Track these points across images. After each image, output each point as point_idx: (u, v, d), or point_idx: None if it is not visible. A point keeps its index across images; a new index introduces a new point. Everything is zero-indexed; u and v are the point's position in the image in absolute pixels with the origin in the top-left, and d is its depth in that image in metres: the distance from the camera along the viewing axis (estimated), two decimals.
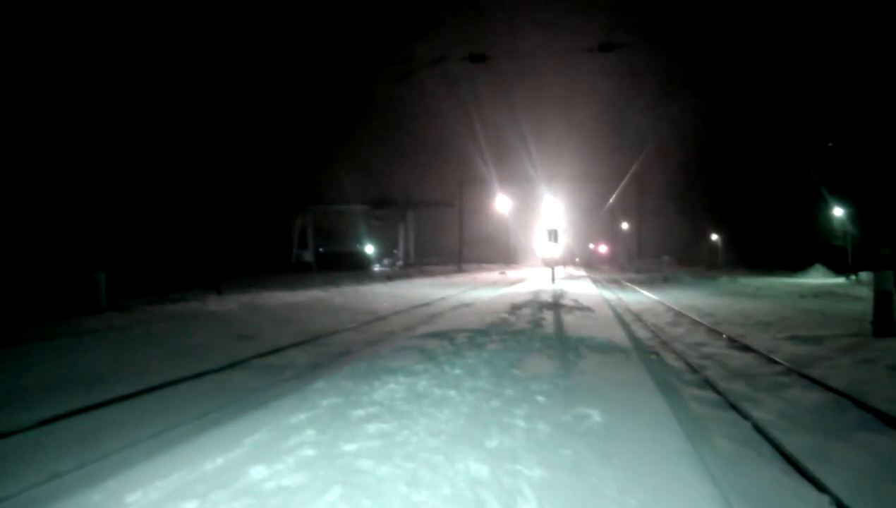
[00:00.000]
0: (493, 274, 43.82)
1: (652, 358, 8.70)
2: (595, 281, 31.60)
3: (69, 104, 27.78)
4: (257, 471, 3.37)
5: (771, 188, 51.79)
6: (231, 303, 15.89)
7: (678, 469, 3.57)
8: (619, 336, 9.59)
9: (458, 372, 6.13)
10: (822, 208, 40.70)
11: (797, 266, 43.19)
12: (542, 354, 7.34)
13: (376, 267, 59.44)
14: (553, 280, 26.25)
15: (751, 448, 4.79)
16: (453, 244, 63.54)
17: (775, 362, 8.21)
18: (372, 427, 4.16)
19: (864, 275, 28.92)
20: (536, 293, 18.81)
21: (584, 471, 3.47)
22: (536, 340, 8.46)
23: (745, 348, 9.52)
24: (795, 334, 10.80)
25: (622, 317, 13.85)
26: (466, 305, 15.96)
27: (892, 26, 34.79)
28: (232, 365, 7.76)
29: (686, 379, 7.38)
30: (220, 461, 3.57)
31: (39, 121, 26.21)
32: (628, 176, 31.97)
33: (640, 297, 21.36)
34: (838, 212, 38.74)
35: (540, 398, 5.08)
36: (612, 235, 78.61)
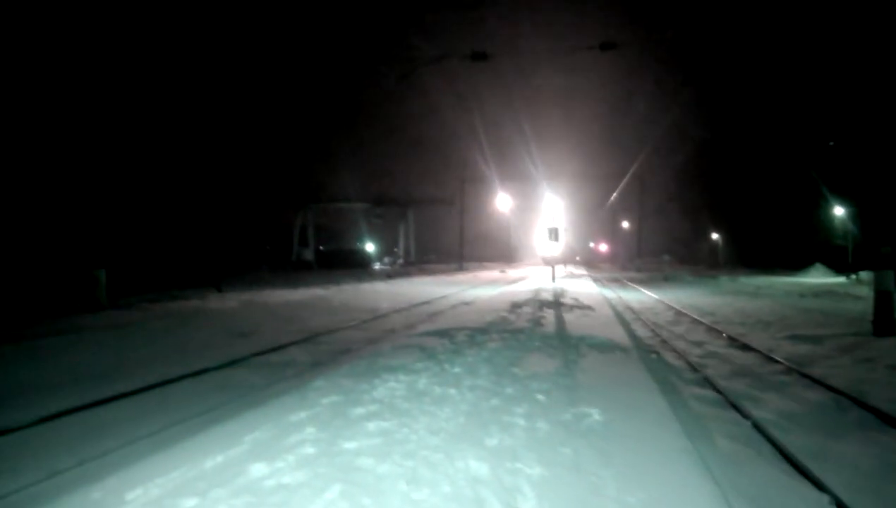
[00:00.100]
0: (493, 273, 43.81)
1: (652, 356, 8.70)
2: (595, 280, 31.59)
3: (70, 102, 27.78)
4: (257, 469, 3.37)
5: (772, 187, 51.78)
6: (231, 301, 15.90)
7: (678, 467, 3.57)
8: (619, 334, 9.59)
9: (458, 370, 6.13)
10: (822, 207, 40.71)
11: (797, 265, 43.17)
12: (542, 353, 7.35)
13: (377, 266, 59.45)
14: (553, 278, 26.24)
15: (751, 448, 4.79)
16: (454, 242, 63.58)
17: (775, 361, 8.21)
18: (372, 426, 4.16)
19: (865, 275, 28.90)
20: (537, 291, 18.81)
21: (583, 470, 3.47)
22: (536, 339, 8.46)
23: (745, 347, 9.52)
24: (795, 333, 10.80)
25: (622, 316, 13.85)
26: (466, 303, 15.96)
27: (891, 25, 34.75)
28: (232, 363, 7.77)
29: (686, 378, 7.38)
30: (220, 458, 3.57)
31: (40, 119, 26.21)
32: (629, 174, 32.03)
33: (641, 296, 21.35)
34: (839, 211, 38.75)
35: (540, 396, 5.08)
36: (613, 234, 78.62)
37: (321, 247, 67.19)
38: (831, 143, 42.02)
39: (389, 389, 5.24)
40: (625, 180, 34.79)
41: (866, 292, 18.05)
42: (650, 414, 4.74)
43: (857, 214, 37.53)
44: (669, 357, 8.84)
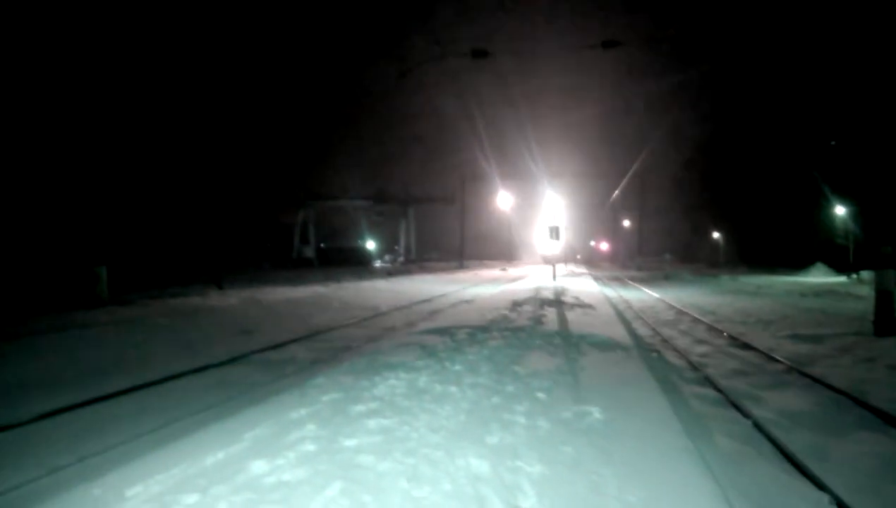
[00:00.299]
0: (494, 271, 43.81)
1: (653, 355, 8.70)
2: (596, 279, 31.59)
3: (72, 101, 27.78)
4: (258, 466, 3.37)
5: (773, 186, 51.76)
6: (232, 298, 15.91)
7: (679, 466, 3.57)
8: (619, 333, 9.59)
9: (458, 368, 6.13)
10: (823, 207, 40.68)
11: (798, 264, 43.17)
12: (542, 351, 7.34)
13: (377, 263, 59.48)
14: (554, 277, 26.24)
15: (751, 446, 4.79)
16: (454, 240, 63.65)
17: (776, 360, 8.20)
18: (372, 423, 4.16)
19: (866, 274, 28.89)
20: (537, 290, 18.80)
21: (584, 468, 3.47)
22: (537, 337, 8.46)
23: (746, 346, 9.51)
24: (796, 332, 10.79)
25: (623, 315, 13.85)
26: (467, 302, 15.96)
27: (891, 25, 34.68)
28: (233, 360, 7.77)
29: (687, 377, 7.38)
30: (220, 455, 3.58)
31: (42, 117, 26.21)
32: (630, 173, 32.00)
33: (642, 295, 21.35)
34: (840, 210, 38.70)
35: (540, 394, 5.08)
36: (614, 233, 78.60)
37: (322, 245, 67.19)
38: (833, 143, 41.98)
39: (390, 387, 5.24)
40: (626, 179, 34.78)
41: (867, 292, 18.05)
42: (651, 412, 4.73)
43: (858, 214, 37.51)
44: (670, 355, 8.84)
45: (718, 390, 6.61)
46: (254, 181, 53.10)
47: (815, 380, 6.96)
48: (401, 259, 66.98)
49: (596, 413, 4.55)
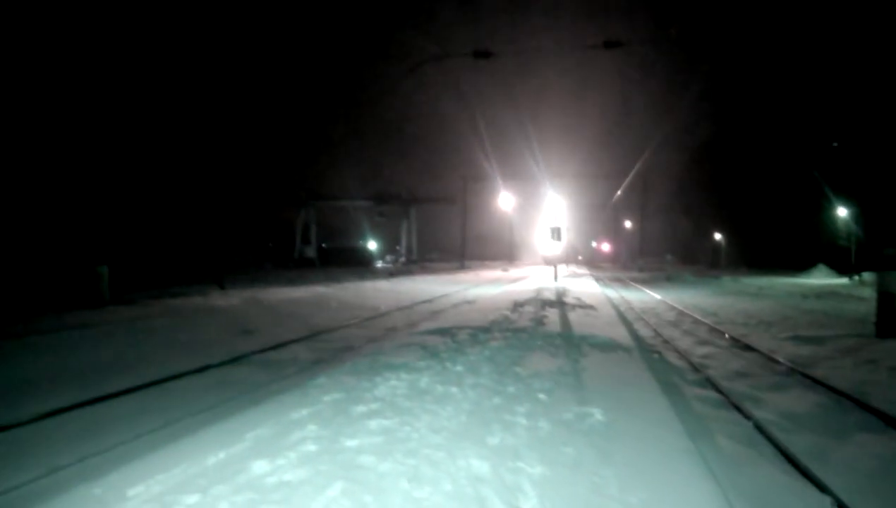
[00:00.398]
0: (495, 272, 43.81)
1: (654, 356, 8.69)
2: (598, 280, 31.58)
3: (73, 100, 27.82)
4: (259, 466, 3.37)
5: (775, 187, 51.65)
6: (234, 298, 15.92)
7: (680, 467, 3.57)
8: (621, 334, 9.59)
9: (459, 368, 6.13)
10: (826, 208, 40.57)
11: (800, 266, 43.07)
12: (544, 352, 7.34)
13: (379, 264, 59.54)
14: (556, 278, 26.23)
15: (752, 448, 4.78)
16: (456, 241, 63.78)
17: (777, 362, 8.19)
18: (374, 423, 4.16)
19: (868, 276, 28.85)
20: (539, 291, 18.80)
21: (585, 469, 3.47)
22: (539, 338, 8.46)
23: (748, 348, 9.50)
24: (798, 334, 10.78)
25: (624, 316, 13.84)
26: (469, 302, 15.96)
27: (893, 26, 34.65)
28: (234, 360, 7.77)
29: (688, 378, 7.37)
30: (222, 455, 3.58)
31: (43, 117, 26.25)
32: (632, 174, 31.96)
33: (643, 296, 21.33)
34: (842, 212, 38.62)
35: (542, 395, 5.08)
36: (615, 234, 78.62)
37: (324, 245, 67.30)
38: (835, 144, 41.93)
39: (391, 387, 5.24)
40: (628, 179, 34.71)
41: (869, 293, 18.03)
42: (652, 413, 4.73)
43: (860, 215, 37.42)
44: (671, 357, 8.83)
45: (720, 391, 6.60)
46: (256, 181, 53.24)
47: (817, 382, 6.95)
48: (402, 259, 67.02)
49: (597, 414, 4.55)
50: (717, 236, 67.76)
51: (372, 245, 67.83)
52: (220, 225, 35.56)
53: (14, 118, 24.79)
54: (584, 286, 23.39)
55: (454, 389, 5.19)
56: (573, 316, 11.90)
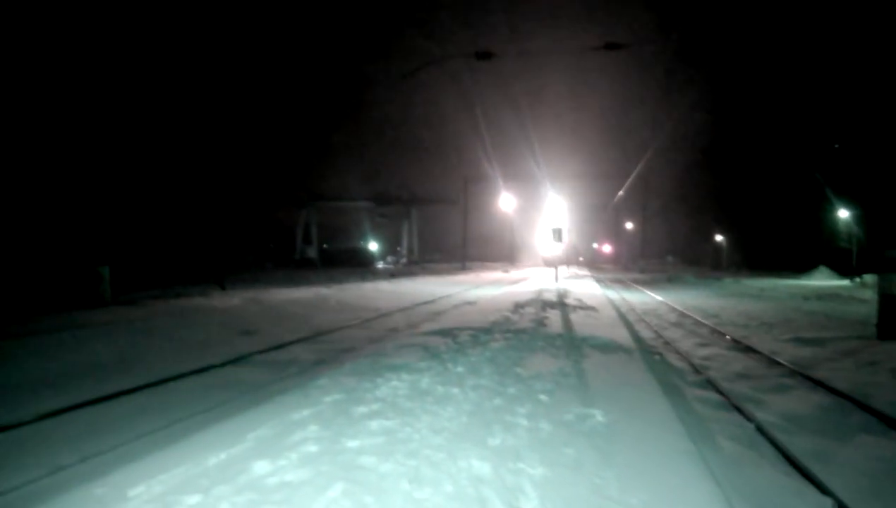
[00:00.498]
0: (496, 273, 43.80)
1: (655, 358, 8.69)
2: (599, 281, 31.56)
3: (74, 100, 27.86)
4: (260, 466, 3.38)
5: (776, 189, 51.66)
6: (235, 299, 15.92)
7: (680, 469, 3.57)
8: (622, 335, 9.59)
9: (461, 369, 6.13)
10: (827, 210, 40.59)
11: (802, 267, 43.08)
12: (545, 353, 7.34)
13: (380, 265, 59.57)
14: (556, 279, 26.24)
15: (754, 450, 4.78)
16: (457, 242, 63.76)
17: (779, 364, 8.19)
18: (375, 424, 4.16)
19: (869, 278, 28.83)
20: (540, 292, 18.80)
21: (586, 470, 3.47)
22: (539, 339, 8.46)
23: (749, 349, 9.49)
24: (799, 336, 10.77)
25: (625, 317, 13.83)
26: (470, 303, 15.96)
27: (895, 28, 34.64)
28: (235, 361, 7.78)
29: (689, 380, 7.37)
30: (223, 455, 3.58)
31: (44, 116, 26.29)
32: (633, 175, 31.96)
33: (644, 297, 21.32)
34: (844, 213, 38.62)
35: (543, 396, 5.08)
36: (617, 235, 78.52)
37: (325, 246, 67.32)
38: (836, 145, 41.91)
39: (392, 388, 5.25)
40: (629, 180, 34.72)
41: (870, 295, 18.01)
42: (653, 415, 4.73)
43: (861, 217, 37.42)
44: (672, 358, 8.83)
45: (721, 393, 6.60)
46: (257, 182, 53.23)
47: (818, 384, 6.95)
48: (403, 260, 67.08)
49: (598, 415, 4.55)
50: (719, 237, 67.71)
51: (373, 246, 67.84)
52: (222, 225, 35.60)
53: (16, 118, 24.83)
54: (585, 287, 23.39)
55: (455, 390, 5.20)
56: (574, 317, 11.90)
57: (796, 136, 48.86)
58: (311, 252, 63.14)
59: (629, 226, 72.91)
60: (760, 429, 5.26)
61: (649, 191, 62.59)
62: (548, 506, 3.03)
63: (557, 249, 27.12)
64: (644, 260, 63.70)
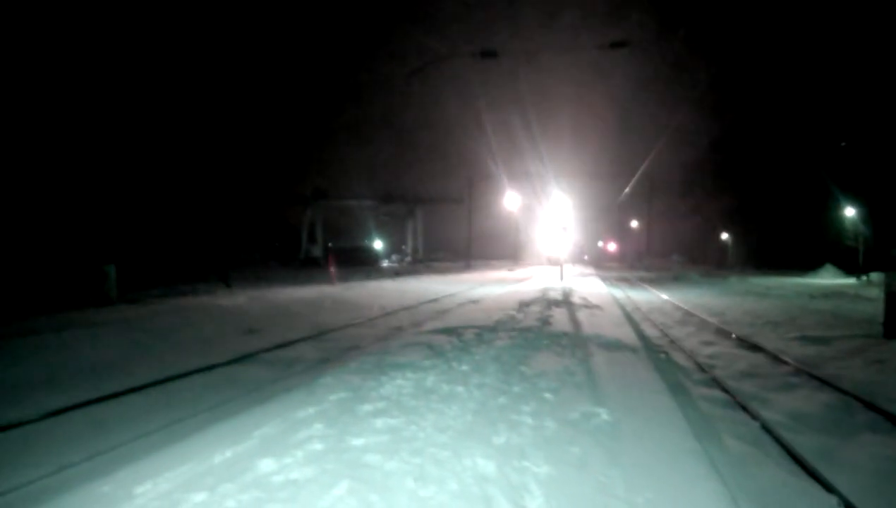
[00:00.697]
0: (500, 272, 43.73)
1: (661, 356, 8.68)
2: (604, 280, 31.48)
3: (78, 99, 27.96)
4: (266, 464, 3.39)
5: (782, 187, 51.45)
6: (240, 297, 15.97)
7: (686, 468, 3.56)
8: (627, 334, 9.57)
9: (465, 368, 6.13)
10: (833, 208, 40.35)
11: (808, 266, 42.91)
12: (550, 351, 7.34)
13: (385, 263, 59.56)
14: (561, 278, 26.20)
15: (759, 448, 4.77)
16: (461, 241, 63.63)
17: (784, 362, 8.16)
18: (380, 422, 4.17)
19: (875, 276, 28.71)
20: (545, 291, 18.78)
21: (591, 469, 3.46)
22: (544, 337, 8.45)
23: (755, 348, 9.47)
24: (805, 334, 10.73)
25: (631, 316, 13.81)
26: (474, 302, 15.95)
27: None
28: (241, 359, 7.80)
29: (695, 378, 7.36)
30: (228, 453, 3.59)
31: (48, 116, 26.39)
32: (638, 174, 31.86)
33: (650, 296, 21.28)
34: (850, 212, 38.42)
35: (547, 395, 5.08)
36: (622, 233, 78.32)
37: (329, 244, 67.33)
38: (843, 144, 41.69)
39: (397, 386, 5.25)
40: (634, 179, 34.61)
41: (877, 294, 17.91)
42: (659, 413, 4.72)
43: (868, 215, 37.20)
44: (678, 357, 8.81)
45: (726, 391, 6.58)
46: (262, 180, 53.36)
47: (824, 382, 6.92)
48: (408, 259, 67.06)
49: (603, 414, 4.55)
50: (725, 236, 67.51)
51: (378, 244, 67.80)
52: (227, 224, 35.66)
53: (21, 117, 24.94)
54: (590, 286, 23.34)
55: (460, 388, 5.20)
56: (579, 315, 11.88)
57: (803, 134, 48.66)
58: (316, 250, 63.14)
59: (634, 224, 72.75)
60: (766, 428, 5.25)
61: (655, 189, 62.36)
62: (553, 505, 3.03)
63: (563, 248, 27.08)
64: (649, 259, 63.43)
